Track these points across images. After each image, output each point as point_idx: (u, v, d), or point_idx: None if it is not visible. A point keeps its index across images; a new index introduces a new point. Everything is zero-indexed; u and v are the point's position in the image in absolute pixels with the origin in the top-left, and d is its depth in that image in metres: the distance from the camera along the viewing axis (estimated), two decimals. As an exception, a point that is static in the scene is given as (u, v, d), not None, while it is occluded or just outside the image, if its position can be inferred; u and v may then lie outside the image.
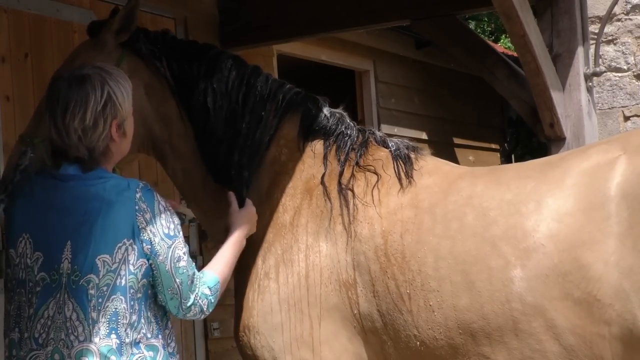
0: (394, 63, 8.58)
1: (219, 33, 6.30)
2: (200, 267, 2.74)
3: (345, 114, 3.46)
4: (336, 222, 3.17)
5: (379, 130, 3.60)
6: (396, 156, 3.28)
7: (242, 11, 6.28)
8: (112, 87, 2.77)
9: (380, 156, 3.30)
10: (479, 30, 14.31)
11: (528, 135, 11.29)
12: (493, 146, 10.31)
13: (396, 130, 8.22)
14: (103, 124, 2.76)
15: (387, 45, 8.38)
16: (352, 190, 3.21)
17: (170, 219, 2.78)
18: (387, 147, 3.34)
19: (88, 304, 2.66)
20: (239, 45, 6.33)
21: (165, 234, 2.74)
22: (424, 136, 8.82)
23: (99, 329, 2.65)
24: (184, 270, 2.77)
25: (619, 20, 8.18)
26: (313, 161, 3.33)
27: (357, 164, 3.28)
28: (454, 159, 8.64)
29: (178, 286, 2.77)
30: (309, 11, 6.09)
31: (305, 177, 3.31)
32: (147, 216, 2.72)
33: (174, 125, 3.41)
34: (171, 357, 2.81)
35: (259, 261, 3.25)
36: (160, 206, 2.77)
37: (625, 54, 8.17)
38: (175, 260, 2.76)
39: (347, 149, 3.31)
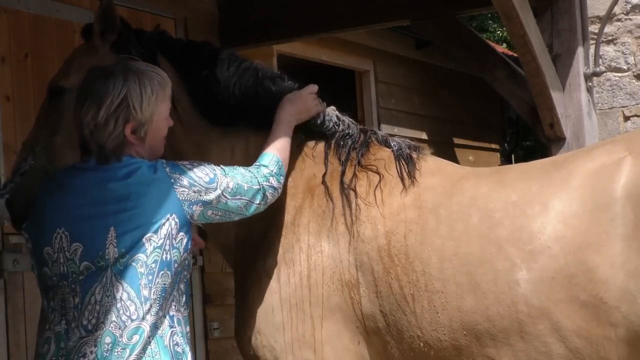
0: (394, 63, 8.58)
1: (219, 33, 6.30)
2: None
3: (345, 113, 3.45)
4: (338, 222, 3.16)
5: (379, 130, 3.59)
6: (398, 156, 3.26)
7: (242, 11, 6.28)
8: (130, 89, 2.80)
9: (382, 156, 3.29)
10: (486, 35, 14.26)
11: (526, 136, 11.29)
12: (493, 146, 10.30)
13: (396, 130, 8.21)
14: (114, 124, 2.80)
15: (387, 45, 8.38)
16: (355, 190, 3.20)
17: (202, 167, 2.91)
18: (389, 146, 3.33)
19: (139, 283, 2.72)
20: (239, 45, 6.32)
21: (207, 182, 2.87)
22: (424, 136, 8.82)
23: (151, 306, 2.72)
24: (237, 186, 2.93)
25: (619, 20, 8.18)
26: (314, 161, 3.32)
27: (358, 163, 3.27)
28: (454, 159, 8.64)
29: (242, 199, 2.95)
30: (309, 11, 6.09)
31: (306, 176, 3.30)
32: (185, 182, 2.82)
33: (174, 127, 3.39)
34: (187, 328, 2.89)
35: (260, 261, 3.24)
36: (187, 166, 2.88)
37: (625, 54, 8.16)
38: (227, 189, 2.91)
39: (348, 148, 3.30)
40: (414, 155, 3.28)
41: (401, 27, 7.65)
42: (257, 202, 3.00)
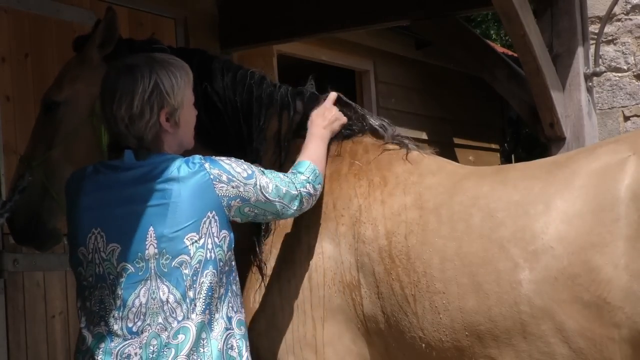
0: (394, 63, 8.59)
1: (219, 33, 6.30)
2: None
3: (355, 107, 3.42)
4: (339, 223, 3.15)
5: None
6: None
7: (242, 11, 6.28)
8: (160, 76, 2.76)
9: (382, 156, 3.28)
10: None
11: (528, 136, 11.30)
12: (493, 146, 10.31)
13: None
14: (150, 112, 2.75)
15: (387, 45, 8.39)
16: (355, 191, 3.19)
17: (240, 163, 2.86)
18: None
19: (184, 284, 2.67)
20: (239, 45, 6.33)
21: (245, 177, 2.83)
22: (424, 136, 8.83)
23: (196, 305, 2.68)
24: (276, 187, 2.90)
25: (619, 20, 8.18)
26: (313, 162, 3.32)
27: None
28: (454, 159, 8.65)
29: (280, 202, 2.91)
30: (309, 11, 6.10)
31: (306, 178, 3.30)
32: (224, 178, 2.77)
33: None
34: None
35: (260, 263, 3.23)
36: (225, 161, 2.82)
37: (625, 54, 8.17)
38: (266, 188, 2.87)
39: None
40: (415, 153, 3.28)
41: (401, 27, 7.65)
42: (295, 207, 2.97)
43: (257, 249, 3.22)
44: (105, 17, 3.29)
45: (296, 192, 2.96)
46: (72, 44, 3.44)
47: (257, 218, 2.92)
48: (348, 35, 7.50)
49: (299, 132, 3.33)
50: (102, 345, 2.71)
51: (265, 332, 3.15)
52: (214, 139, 3.29)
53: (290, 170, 3.05)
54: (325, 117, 3.27)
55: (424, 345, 2.94)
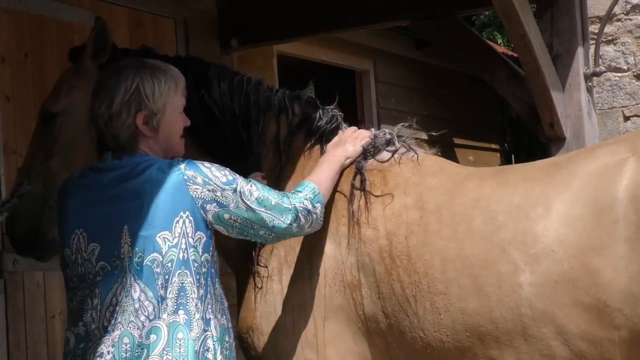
0: (394, 63, 8.59)
1: (219, 33, 6.30)
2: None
3: (340, 114, 3.42)
4: (339, 223, 3.16)
5: (379, 129, 3.57)
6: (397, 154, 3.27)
7: (242, 11, 6.28)
8: (143, 80, 2.80)
9: (382, 157, 3.29)
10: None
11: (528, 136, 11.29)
12: (493, 146, 10.31)
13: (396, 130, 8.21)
14: (127, 113, 2.79)
15: (387, 45, 8.39)
16: (354, 191, 3.19)
17: (221, 169, 2.83)
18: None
19: (155, 282, 2.68)
20: (238, 45, 6.33)
21: (223, 182, 2.79)
22: (424, 136, 8.82)
23: (167, 305, 2.68)
24: (263, 197, 2.84)
25: (619, 20, 8.18)
26: (313, 164, 3.32)
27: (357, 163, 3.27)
28: (454, 159, 8.65)
29: (268, 213, 2.84)
30: (309, 11, 6.10)
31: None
32: (199, 180, 2.76)
33: None
34: (230, 338, 2.85)
35: (262, 263, 3.24)
36: (205, 165, 2.81)
37: (625, 54, 8.17)
38: (248, 196, 2.81)
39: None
40: (415, 154, 3.28)
41: (401, 27, 7.66)
42: (288, 222, 2.86)
43: (254, 252, 3.23)
44: (95, 27, 3.30)
45: (289, 206, 2.87)
46: (67, 55, 3.44)
47: (245, 230, 2.84)
48: (348, 35, 7.50)
49: (300, 134, 3.34)
50: (82, 345, 2.74)
51: (266, 332, 3.16)
52: (214, 147, 3.30)
53: (288, 194, 2.97)
54: (339, 143, 3.25)
55: (424, 345, 2.94)
